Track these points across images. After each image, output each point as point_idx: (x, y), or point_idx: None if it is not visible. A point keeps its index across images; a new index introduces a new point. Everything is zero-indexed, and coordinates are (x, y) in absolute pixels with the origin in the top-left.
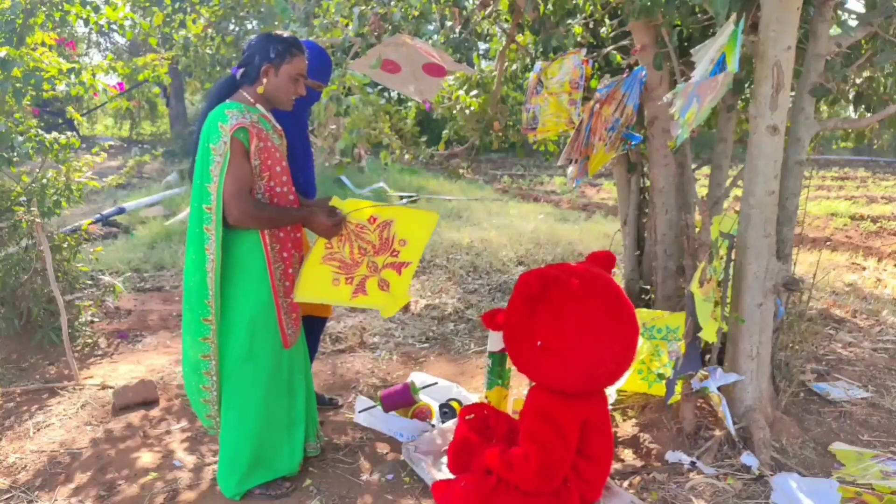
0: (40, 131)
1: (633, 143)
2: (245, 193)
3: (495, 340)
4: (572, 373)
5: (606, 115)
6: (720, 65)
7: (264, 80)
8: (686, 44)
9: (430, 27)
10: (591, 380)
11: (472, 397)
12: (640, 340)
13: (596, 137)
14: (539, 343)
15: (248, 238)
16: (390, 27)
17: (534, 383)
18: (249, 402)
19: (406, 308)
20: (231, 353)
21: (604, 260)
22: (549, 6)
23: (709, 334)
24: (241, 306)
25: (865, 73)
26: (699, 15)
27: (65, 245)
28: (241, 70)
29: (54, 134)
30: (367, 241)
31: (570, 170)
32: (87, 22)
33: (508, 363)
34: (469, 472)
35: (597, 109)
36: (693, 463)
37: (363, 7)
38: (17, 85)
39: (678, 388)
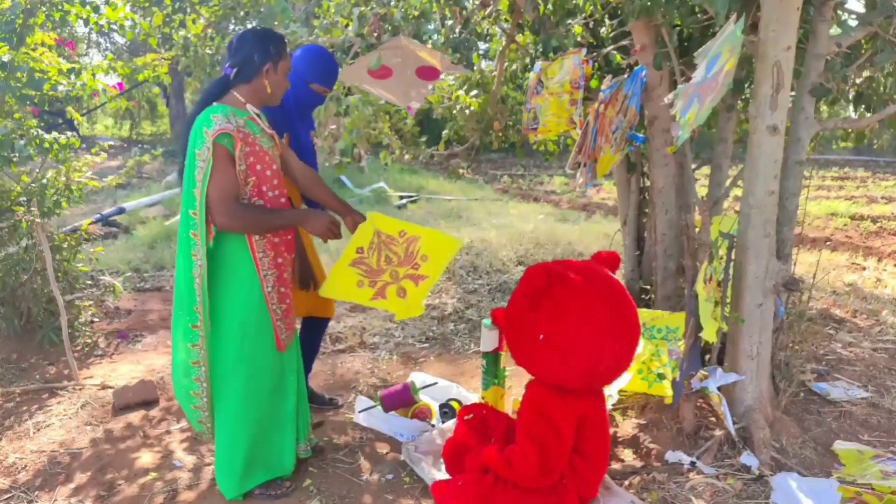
0: (40, 131)
1: (637, 143)
2: (230, 199)
3: (488, 341)
4: (572, 369)
5: (611, 117)
6: (714, 64)
7: (266, 80)
8: (686, 44)
9: (430, 27)
10: (590, 377)
11: (472, 397)
12: (640, 341)
13: (602, 139)
14: (541, 337)
15: (233, 242)
16: (390, 28)
17: (532, 378)
18: (243, 404)
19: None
20: (224, 356)
21: (608, 260)
22: (549, 6)
23: (709, 334)
24: (231, 310)
25: (865, 73)
26: (699, 15)
27: (65, 245)
28: (235, 70)
29: (54, 134)
30: (394, 253)
31: (579, 174)
32: (87, 22)
33: (502, 362)
34: (465, 471)
35: (601, 111)
36: (693, 463)
37: (363, 8)
38: (20, 88)
39: None
